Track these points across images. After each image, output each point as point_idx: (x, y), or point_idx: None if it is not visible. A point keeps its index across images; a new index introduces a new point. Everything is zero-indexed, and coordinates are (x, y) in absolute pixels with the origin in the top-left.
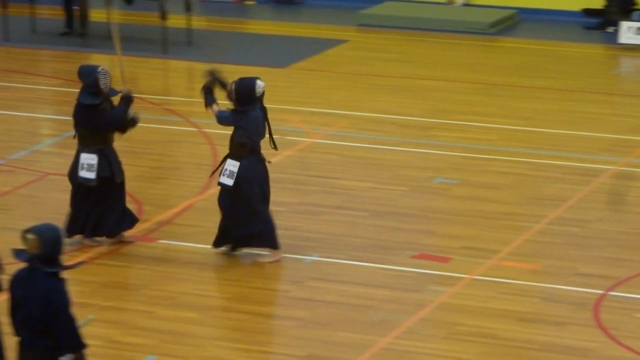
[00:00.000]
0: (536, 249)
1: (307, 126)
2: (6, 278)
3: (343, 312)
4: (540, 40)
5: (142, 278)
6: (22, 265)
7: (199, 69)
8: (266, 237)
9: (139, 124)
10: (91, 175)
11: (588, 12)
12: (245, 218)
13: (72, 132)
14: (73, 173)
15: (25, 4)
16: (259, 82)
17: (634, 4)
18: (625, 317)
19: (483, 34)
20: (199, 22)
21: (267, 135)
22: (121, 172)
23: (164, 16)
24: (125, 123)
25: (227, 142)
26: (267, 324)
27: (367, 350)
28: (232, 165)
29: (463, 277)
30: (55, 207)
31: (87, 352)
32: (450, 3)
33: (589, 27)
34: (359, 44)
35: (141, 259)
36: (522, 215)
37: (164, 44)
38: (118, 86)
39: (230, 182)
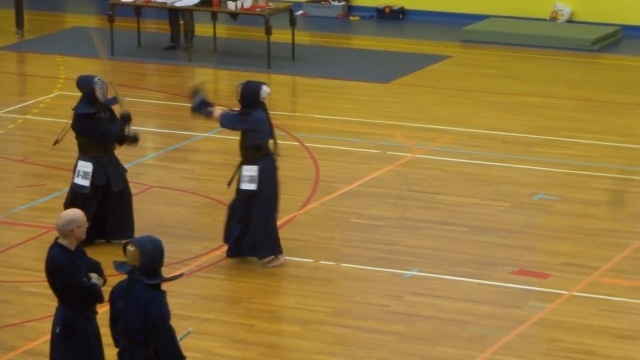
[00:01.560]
0: (636, 265)
1: (409, 141)
2: (107, 290)
3: (442, 327)
4: None
5: (242, 291)
6: (123, 277)
7: (303, 84)
8: (271, 243)
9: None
10: (85, 182)
11: None
12: (257, 222)
13: (176, 145)
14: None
15: (131, 18)
16: (264, 87)
17: None
18: None
19: (586, 50)
20: (302, 37)
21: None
22: (121, 182)
23: (268, 31)
24: (123, 139)
25: (329, 157)
26: (366, 338)
27: None
28: (251, 170)
29: (563, 294)
30: (158, 219)
31: None
32: (553, 19)
33: None
34: (462, 59)
35: (242, 272)
36: (623, 232)
37: (268, 59)
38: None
39: (253, 186)
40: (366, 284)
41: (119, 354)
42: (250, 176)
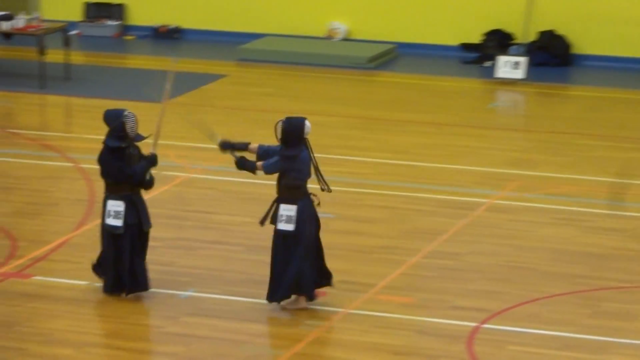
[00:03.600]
0: (411, 282)
1: (184, 161)
2: None
3: (217, 347)
4: (419, 75)
5: (15, 315)
6: None
7: (77, 104)
8: (307, 284)
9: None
10: (118, 222)
11: (466, 47)
12: (297, 262)
13: None
14: (103, 222)
15: None
16: (307, 123)
17: (511, 38)
18: (498, 349)
19: (362, 68)
20: (77, 57)
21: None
22: (148, 221)
23: (42, 51)
24: (142, 181)
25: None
26: None
27: None
28: (289, 210)
29: (338, 311)
30: None
31: None
32: (329, 38)
33: (467, 62)
34: (238, 78)
35: (15, 296)
36: (397, 248)
37: (42, 79)
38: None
39: (290, 227)
40: (141, 306)
41: None
42: (288, 216)
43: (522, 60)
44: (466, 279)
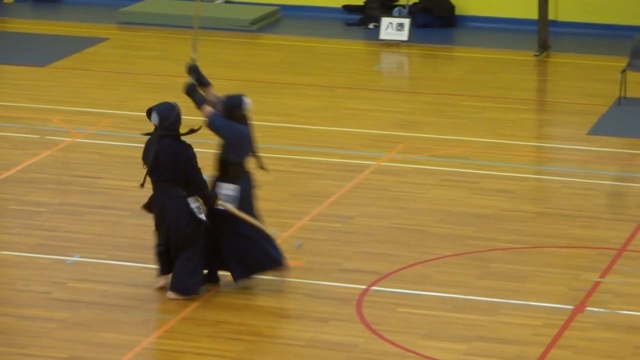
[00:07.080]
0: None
1: (68, 125)
2: None
3: (105, 312)
4: (302, 37)
5: None
6: None
7: None
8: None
9: None
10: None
11: (349, 9)
12: (255, 240)
13: None
14: None
15: None
16: (245, 99)
17: (395, 0)
18: (388, 311)
19: (245, 31)
20: None
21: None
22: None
23: None
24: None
25: None
26: (29, 327)
27: (130, 351)
28: (230, 189)
29: (228, 275)
30: None
31: None
32: (211, 0)
33: (350, 24)
34: (120, 42)
35: None
36: (286, 212)
37: None
38: None
39: (231, 208)
40: (27, 272)
41: None
42: (227, 195)
43: (406, 21)
44: (355, 242)
